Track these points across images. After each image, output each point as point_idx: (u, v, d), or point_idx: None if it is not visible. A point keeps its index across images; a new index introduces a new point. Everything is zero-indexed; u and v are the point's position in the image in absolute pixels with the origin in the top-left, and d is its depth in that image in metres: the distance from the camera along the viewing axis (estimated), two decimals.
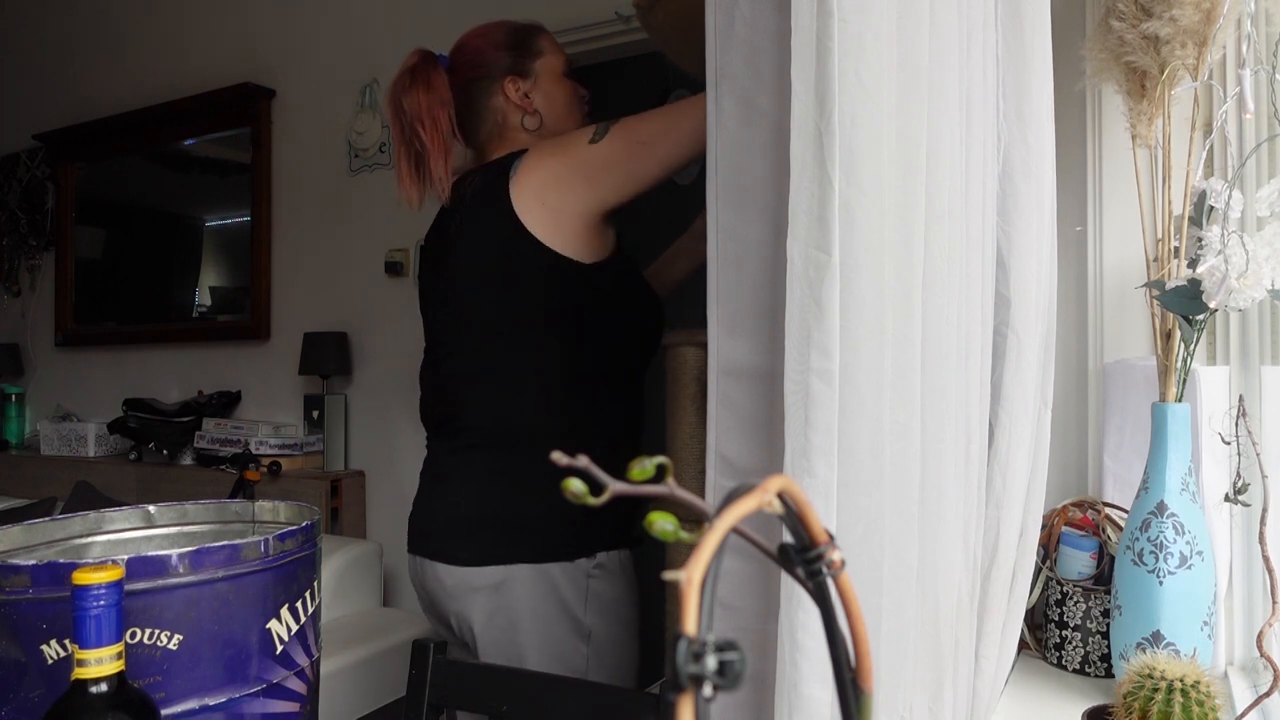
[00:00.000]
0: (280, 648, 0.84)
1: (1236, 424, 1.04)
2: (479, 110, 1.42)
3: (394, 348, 2.78)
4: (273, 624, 0.84)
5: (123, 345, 3.58)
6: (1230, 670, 1.14)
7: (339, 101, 2.91)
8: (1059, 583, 1.18)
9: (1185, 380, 1.06)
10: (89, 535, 0.98)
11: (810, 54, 0.62)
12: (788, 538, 0.37)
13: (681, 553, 1.16)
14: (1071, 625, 1.16)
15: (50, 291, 3.82)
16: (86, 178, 3.76)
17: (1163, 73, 1.06)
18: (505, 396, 1.31)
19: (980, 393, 0.91)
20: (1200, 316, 1.03)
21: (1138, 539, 1.03)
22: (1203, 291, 1.00)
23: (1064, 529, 1.22)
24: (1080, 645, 1.16)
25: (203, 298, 3.48)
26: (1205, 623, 1.01)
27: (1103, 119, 1.32)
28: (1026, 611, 1.12)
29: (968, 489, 0.86)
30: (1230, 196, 1.04)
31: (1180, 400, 1.05)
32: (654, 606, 1.45)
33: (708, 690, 0.27)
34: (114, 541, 1.00)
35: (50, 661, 0.74)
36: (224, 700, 0.80)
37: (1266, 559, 0.94)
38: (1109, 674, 1.13)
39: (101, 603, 0.65)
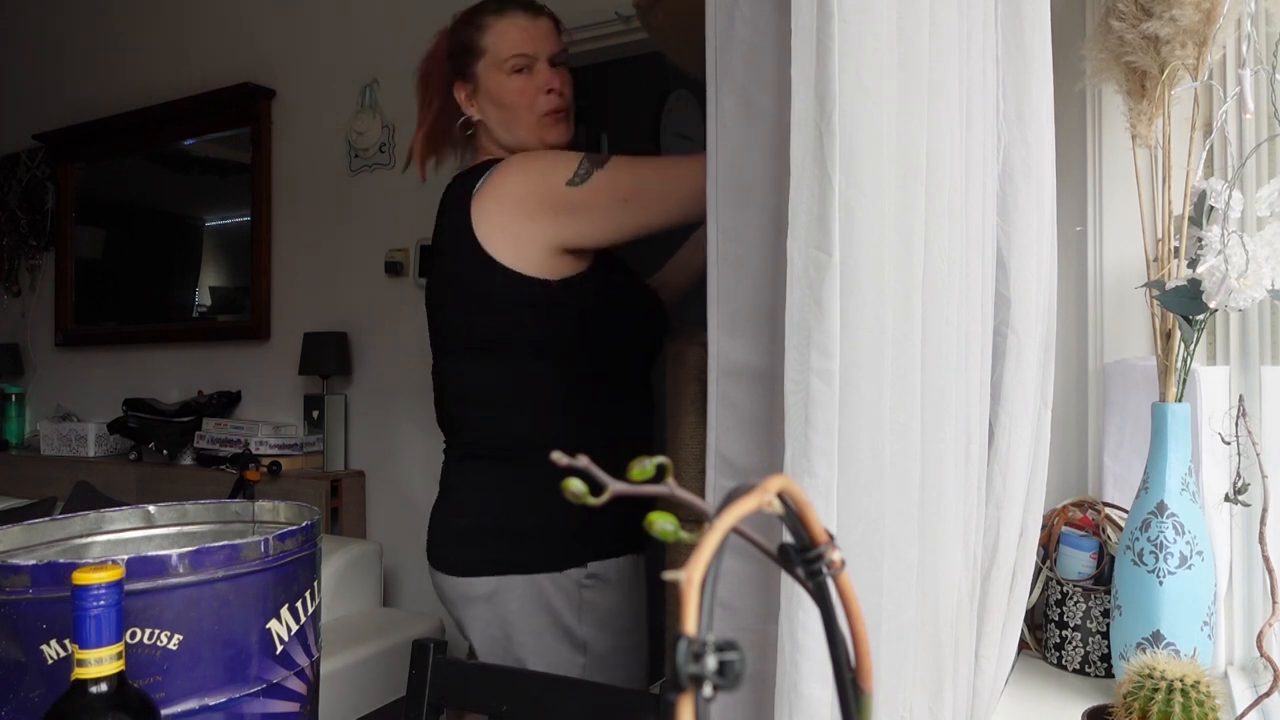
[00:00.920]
0: (280, 648, 0.84)
1: (1236, 424, 1.04)
2: (453, 115, 1.40)
3: (394, 348, 2.79)
4: (273, 624, 0.84)
5: (123, 345, 3.58)
6: (1230, 670, 1.14)
7: (339, 101, 2.91)
8: (1059, 583, 1.18)
9: (1185, 380, 1.06)
10: (89, 535, 0.98)
11: (810, 54, 0.62)
12: (788, 538, 0.37)
13: (682, 553, 1.16)
14: (1071, 625, 1.16)
15: (50, 291, 3.82)
16: (86, 178, 3.76)
17: (1163, 73, 1.06)
18: (495, 412, 1.30)
19: (980, 393, 0.91)
20: (1200, 316, 1.03)
21: (1138, 539, 1.03)
22: (1203, 291, 1.00)
23: (1064, 529, 1.22)
24: (1080, 645, 1.16)
25: (203, 298, 3.48)
26: (1205, 623, 1.01)
27: (1103, 119, 1.32)
28: (1026, 611, 1.12)
29: (968, 489, 0.86)
30: (1230, 196, 1.04)
31: (1180, 400, 1.05)
32: (662, 609, 1.45)
33: (708, 690, 0.27)
34: (114, 541, 1.00)
35: (50, 661, 0.74)
36: (224, 700, 0.80)
37: (1266, 559, 0.94)
38: (1109, 674, 1.13)
39: (101, 603, 0.65)
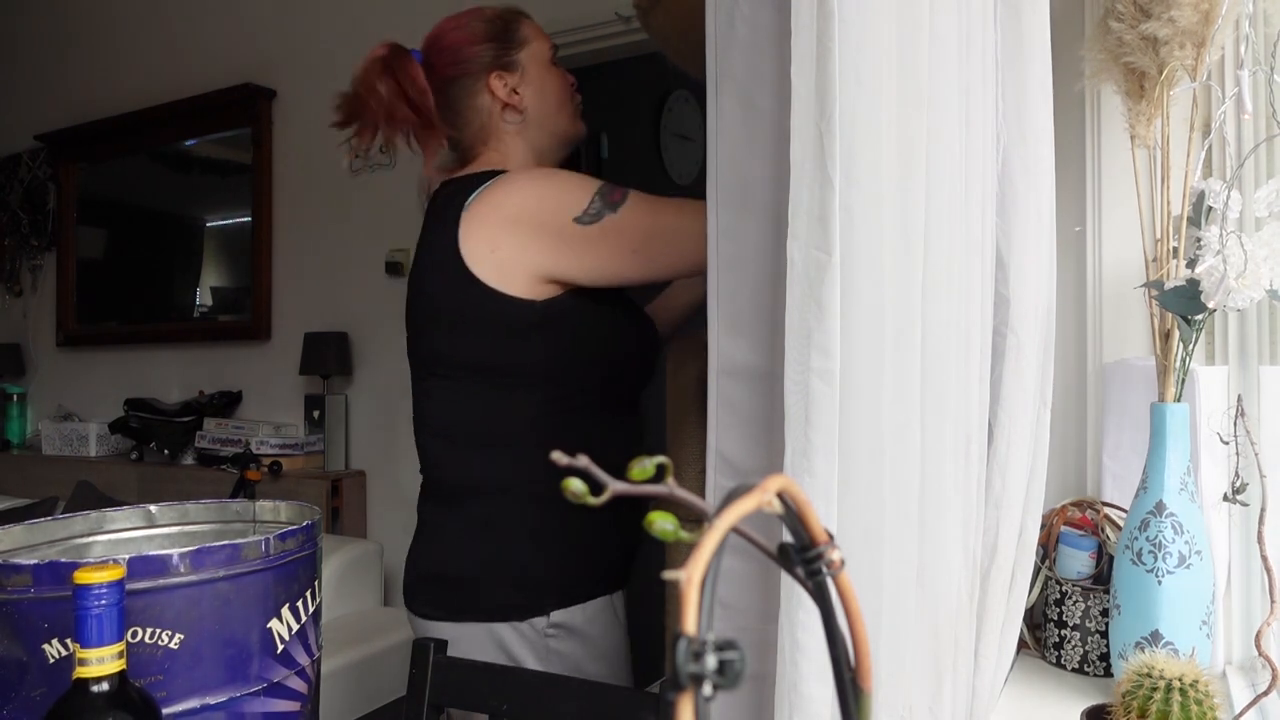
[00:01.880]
0: (281, 647, 0.84)
1: (1235, 424, 1.04)
2: (463, 111, 1.29)
3: (394, 348, 2.77)
4: (273, 623, 0.84)
5: (124, 345, 3.59)
6: (1228, 669, 1.14)
7: None
8: (1058, 582, 1.18)
9: (1184, 380, 1.06)
10: (90, 535, 0.98)
11: (810, 54, 0.62)
12: (788, 537, 0.37)
13: (681, 553, 1.16)
14: (1070, 624, 1.16)
15: (52, 292, 3.82)
16: (88, 178, 3.76)
17: (1161, 73, 1.06)
18: (458, 451, 1.23)
19: (980, 393, 0.91)
20: (1199, 316, 1.03)
21: (1137, 538, 1.03)
22: (1201, 291, 1.01)
23: (1063, 529, 1.22)
24: (1079, 644, 1.16)
25: (204, 298, 3.48)
26: (1204, 622, 1.01)
27: (1102, 119, 1.33)
28: (1026, 611, 1.12)
29: (967, 489, 0.87)
30: (1229, 197, 1.05)
31: (1179, 400, 1.05)
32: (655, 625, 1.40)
33: (708, 689, 0.27)
34: (115, 541, 1.00)
35: (52, 661, 0.74)
36: (225, 699, 0.80)
37: (1265, 558, 0.95)
38: (1108, 673, 1.14)
39: (103, 602, 0.65)
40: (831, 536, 0.36)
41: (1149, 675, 0.85)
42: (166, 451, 3.14)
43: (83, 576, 0.65)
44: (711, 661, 0.27)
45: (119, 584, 0.67)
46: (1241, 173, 1.17)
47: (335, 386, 2.91)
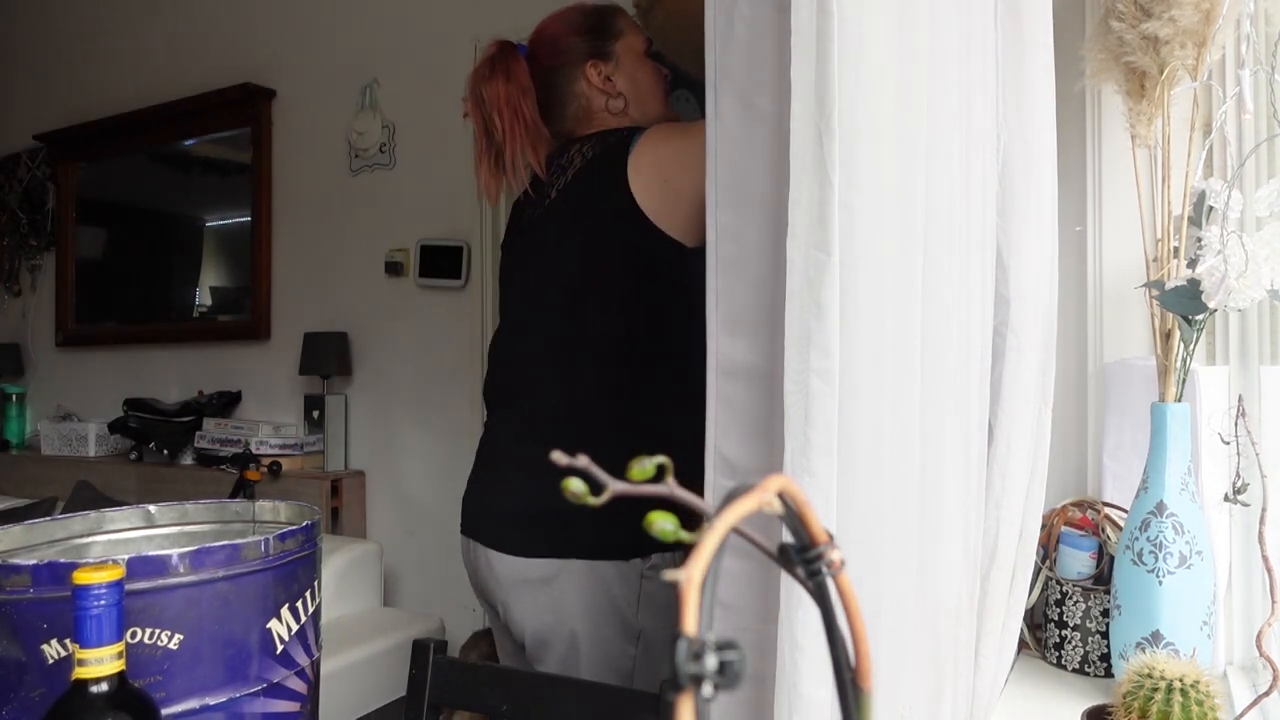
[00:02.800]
0: (281, 647, 0.84)
1: (1236, 424, 1.04)
2: (562, 97, 1.39)
3: (394, 348, 2.79)
4: (273, 624, 0.84)
5: (123, 345, 3.58)
6: (1229, 670, 1.14)
7: (339, 101, 2.91)
8: (1058, 582, 1.18)
9: (1185, 380, 1.06)
10: (89, 535, 0.98)
11: (810, 54, 0.62)
12: (788, 537, 0.37)
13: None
14: (1071, 625, 1.16)
15: (51, 291, 3.82)
16: (87, 178, 3.76)
17: (1162, 73, 1.06)
18: (570, 389, 1.28)
19: (980, 393, 0.91)
20: (1200, 316, 1.03)
21: (1137, 539, 1.03)
22: (1202, 291, 1.00)
23: (1064, 529, 1.22)
24: (1080, 645, 1.16)
25: (203, 298, 3.48)
26: (1204, 622, 1.01)
27: (1102, 119, 1.33)
28: (1026, 611, 1.12)
29: (967, 489, 0.86)
30: (1229, 196, 1.05)
31: (1180, 400, 1.05)
32: None
33: (708, 689, 0.27)
34: (114, 541, 1.00)
35: (51, 661, 0.74)
36: (224, 700, 0.80)
37: (1265, 559, 0.94)
38: (1108, 674, 1.14)
39: (102, 602, 0.65)
40: (831, 536, 0.36)
41: (1150, 676, 0.85)
42: (166, 451, 3.14)
43: (82, 577, 0.65)
44: (711, 661, 0.27)
45: (118, 584, 0.66)
46: (1242, 172, 1.17)
47: (335, 386, 2.91)
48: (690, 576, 0.27)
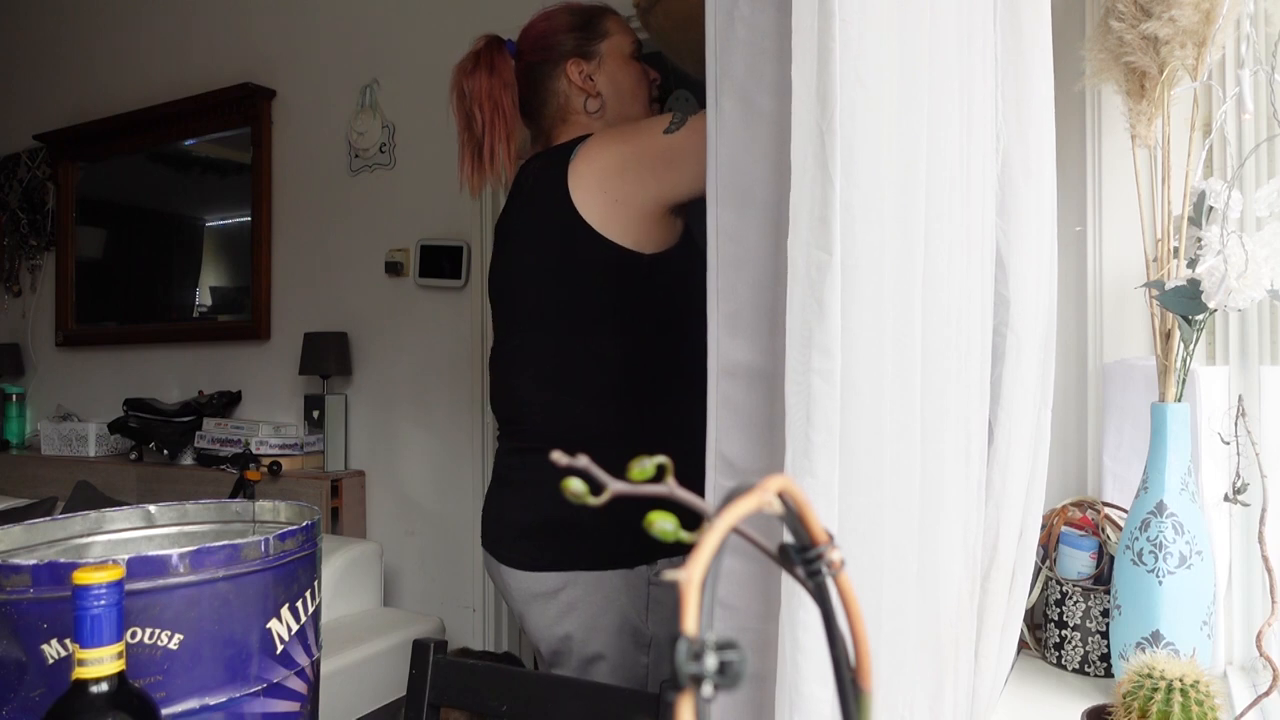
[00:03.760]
0: (280, 647, 0.84)
1: (1236, 424, 1.04)
2: (542, 93, 1.39)
3: (394, 348, 2.79)
4: (273, 624, 0.84)
5: (123, 345, 3.58)
6: (1229, 670, 1.14)
7: (339, 101, 2.91)
8: (1058, 582, 1.18)
9: (1185, 380, 1.06)
10: (89, 535, 0.98)
11: (811, 54, 0.62)
12: (788, 537, 0.37)
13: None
14: (1071, 625, 1.16)
15: (51, 291, 3.82)
16: (87, 178, 3.76)
17: (1162, 73, 1.06)
18: (564, 399, 1.28)
19: (980, 393, 0.91)
20: (1200, 316, 1.03)
21: (1137, 539, 1.03)
22: (1202, 291, 1.00)
23: (1064, 529, 1.22)
24: (1080, 645, 1.16)
25: (203, 298, 3.48)
26: (1204, 622, 1.01)
27: (1102, 119, 1.33)
28: (1026, 611, 1.12)
29: (967, 489, 0.86)
30: (1229, 196, 1.04)
31: (1180, 400, 1.05)
32: None
33: (708, 689, 0.27)
34: (114, 541, 1.00)
35: (51, 661, 0.74)
36: (224, 700, 0.80)
37: (1265, 559, 0.94)
38: (1108, 673, 1.14)
39: (102, 602, 0.65)
40: (831, 536, 0.36)
41: (1150, 676, 0.85)
42: (166, 451, 3.14)
43: (82, 577, 0.65)
44: (712, 661, 0.27)
45: (118, 584, 0.66)
46: (1242, 172, 1.17)
47: (335, 386, 2.91)
48: (690, 576, 0.27)
